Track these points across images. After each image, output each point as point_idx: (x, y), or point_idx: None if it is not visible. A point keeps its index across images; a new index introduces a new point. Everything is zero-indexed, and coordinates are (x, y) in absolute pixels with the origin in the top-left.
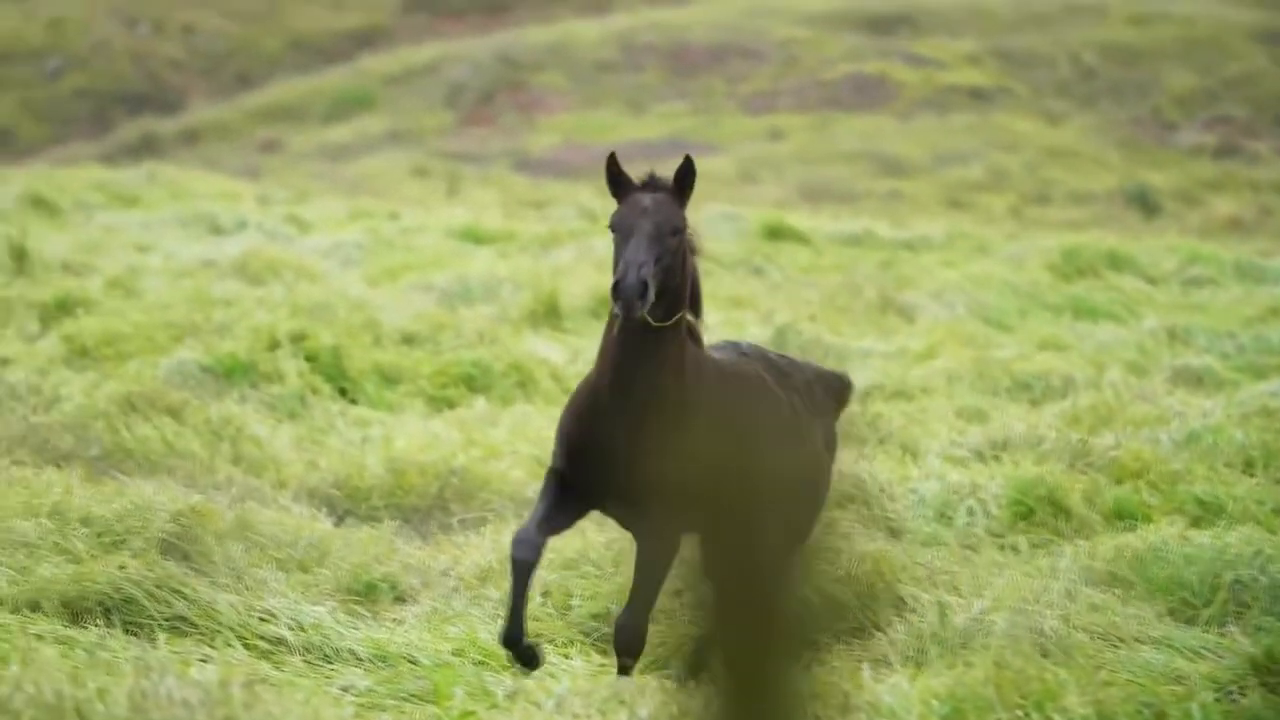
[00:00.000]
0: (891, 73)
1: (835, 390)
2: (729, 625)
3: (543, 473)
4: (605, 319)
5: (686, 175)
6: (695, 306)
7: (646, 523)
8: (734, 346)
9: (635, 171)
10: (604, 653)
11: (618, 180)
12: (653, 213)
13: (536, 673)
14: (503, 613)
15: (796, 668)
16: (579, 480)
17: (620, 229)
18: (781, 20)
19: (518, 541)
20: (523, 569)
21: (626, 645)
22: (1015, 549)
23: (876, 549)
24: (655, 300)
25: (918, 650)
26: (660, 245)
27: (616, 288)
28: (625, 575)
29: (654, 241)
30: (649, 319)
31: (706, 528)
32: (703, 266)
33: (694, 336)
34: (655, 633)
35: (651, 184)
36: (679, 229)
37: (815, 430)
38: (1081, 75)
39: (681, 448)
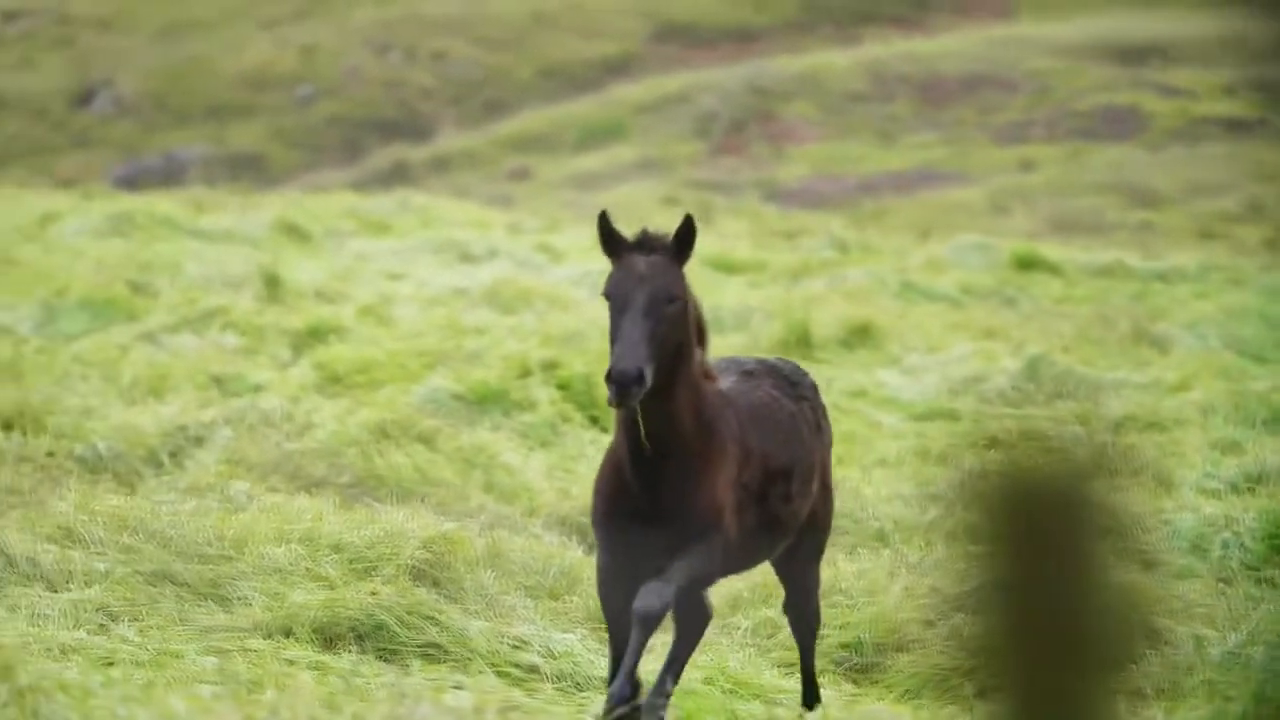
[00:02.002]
0: (1144, 103)
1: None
2: (1022, 653)
3: None
4: (856, 351)
5: (686, 235)
6: (701, 343)
7: (692, 542)
8: (735, 364)
9: (889, 201)
10: (856, 682)
11: (611, 239)
12: (648, 280)
13: (788, 702)
14: None
15: (1092, 698)
16: (627, 554)
17: (614, 298)
18: (1033, 51)
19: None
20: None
21: (645, 612)
22: (1272, 583)
23: (1130, 581)
24: (652, 376)
25: (1173, 683)
26: (656, 317)
27: (610, 375)
28: (878, 604)
29: (649, 316)
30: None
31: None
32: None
33: (707, 375)
34: (907, 663)
35: (646, 244)
36: (675, 296)
37: (825, 432)
38: None
39: (714, 483)
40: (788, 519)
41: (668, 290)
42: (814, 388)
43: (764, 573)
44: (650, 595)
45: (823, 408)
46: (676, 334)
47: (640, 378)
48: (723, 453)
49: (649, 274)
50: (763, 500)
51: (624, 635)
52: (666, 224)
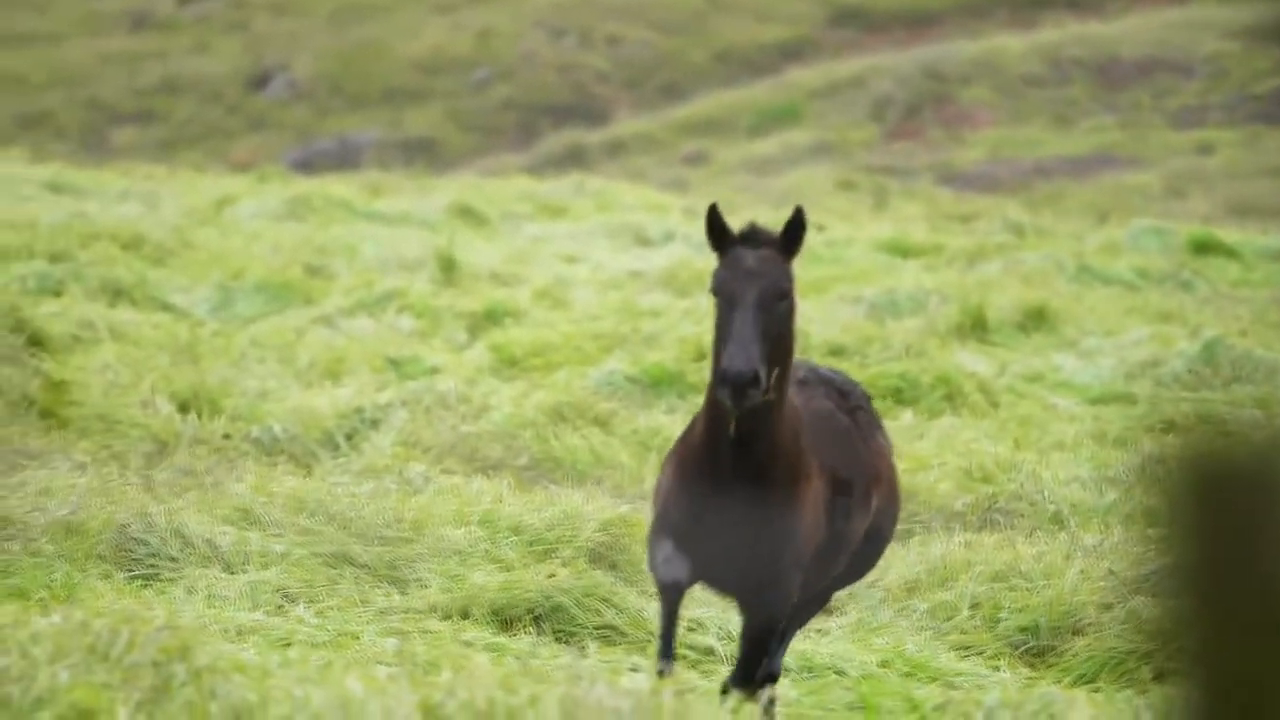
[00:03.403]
0: None
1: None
2: (1204, 637)
3: (971, 485)
4: (1032, 334)
5: (795, 229)
6: None
7: (771, 591)
8: None
9: (1065, 185)
10: (1032, 665)
11: (719, 232)
12: (758, 277)
13: (965, 685)
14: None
15: (1274, 683)
16: (689, 547)
17: (723, 295)
18: (1211, 33)
19: (665, 561)
20: (675, 588)
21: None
22: None
23: None
24: (766, 377)
25: None
26: (768, 317)
27: (725, 376)
28: (1054, 588)
29: (761, 314)
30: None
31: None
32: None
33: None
34: (1084, 646)
35: (753, 237)
36: (786, 292)
37: (883, 438)
38: None
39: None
40: (849, 537)
41: (779, 287)
42: (866, 398)
43: (943, 554)
44: (740, 680)
45: (877, 416)
46: (786, 332)
47: (756, 379)
48: (809, 474)
49: (759, 270)
50: (829, 518)
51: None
52: (841, 208)
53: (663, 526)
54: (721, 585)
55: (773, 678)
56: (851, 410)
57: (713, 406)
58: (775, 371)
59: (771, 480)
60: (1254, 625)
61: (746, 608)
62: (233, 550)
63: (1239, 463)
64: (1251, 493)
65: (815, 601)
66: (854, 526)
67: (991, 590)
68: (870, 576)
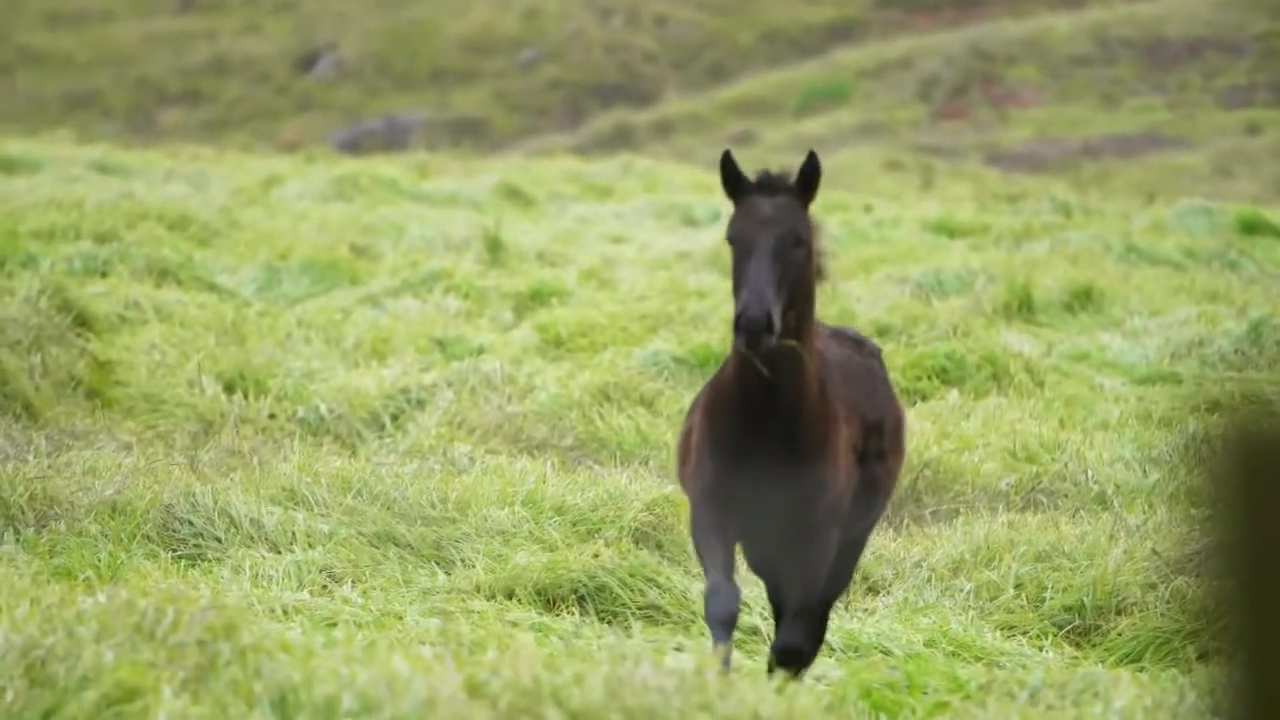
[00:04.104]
0: None
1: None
2: (1248, 616)
3: (1016, 465)
4: (1079, 314)
5: (810, 175)
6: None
7: (808, 549)
8: None
9: (1112, 165)
10: (1076, 645)
11: (734, 180)
12: (774, 223)
13: (1010, 664)
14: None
15: None
16: (728, 509)
17: (739, 243)
18: (1260, 12)
19: (714, 595)
20: (729, 623)
21: (789, 655)
22: None
23: None
24: (780, 321)
25: None
26: (784, 263)
27: (739, 322)
28: (1099, 568)
29: (776, 260)
30: (776, 345)
31: None
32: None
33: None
34: (1128, 626)
35: (769, 184)
36: (802, 239)
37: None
38: None
39: (831, 443)
40: (883, 478)
41: (794, 233)
42: (878, 352)
43: (987, 534)
44: (789, 645)
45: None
46: (803, 278)
47: (770, 324)
48: (836, 424)
49: (774, 216)
50: (862, 460)
51: (716, 558)
52: (888, 188)
53: (701, 489)
54: (760, 544)
55: (802, 659)
56: (866, 356)
57: (738, 355)
58: (794, 317)
59: (800, 432)
60: None
61: (781, 575)
62: (278, 530)
63: (1274, 442)
64: None
65: (834, 587)
66: (888, 466)
67: (1036, 570)
68: (915, 556)
